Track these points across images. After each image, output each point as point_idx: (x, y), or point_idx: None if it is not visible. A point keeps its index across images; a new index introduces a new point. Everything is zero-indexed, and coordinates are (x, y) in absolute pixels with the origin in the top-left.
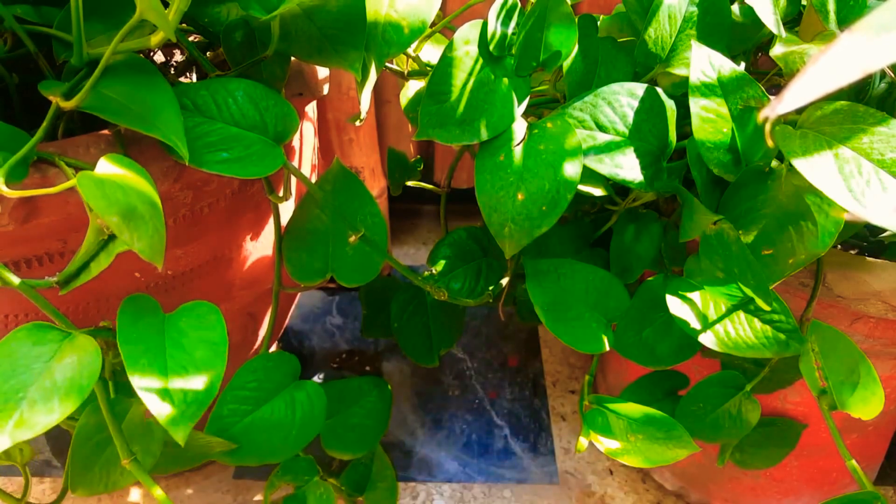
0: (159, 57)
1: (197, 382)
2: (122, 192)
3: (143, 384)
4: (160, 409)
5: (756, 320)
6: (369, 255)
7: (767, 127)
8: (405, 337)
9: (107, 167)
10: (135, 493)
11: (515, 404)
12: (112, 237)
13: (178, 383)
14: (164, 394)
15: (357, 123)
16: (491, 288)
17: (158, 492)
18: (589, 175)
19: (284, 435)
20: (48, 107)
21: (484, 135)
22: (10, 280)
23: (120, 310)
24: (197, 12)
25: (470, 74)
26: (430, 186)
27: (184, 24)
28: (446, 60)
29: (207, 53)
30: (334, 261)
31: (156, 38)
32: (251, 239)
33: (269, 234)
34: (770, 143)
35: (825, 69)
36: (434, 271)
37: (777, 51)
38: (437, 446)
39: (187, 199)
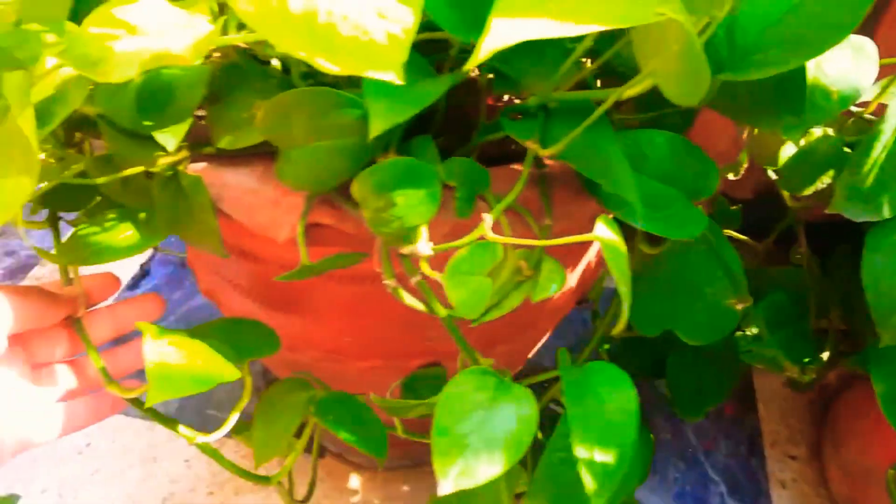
0: None
1: (613, 454)
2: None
3: (582, 454)
4: (588, 481)
5: None
6: (724, 312)
7: None
8: (677, 386)
9: (604, 232)
10: (354, 480)
11: (731, 460)
12: (528, 278)
13: (600, 456)
14: (590, 465)
15: (731, 176)
16: (806, 360)
17: None
18: None
19: None
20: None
21: (886, 213)
22: (438, 310)
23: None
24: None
25: (885, 145)
26: (745, 238)
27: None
28: (874, 134)
29: None
30: (682, 313)
31: (632, 91)
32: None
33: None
34: None
35: None
36: (747, 333)
37: None
38: (650, 491)
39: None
